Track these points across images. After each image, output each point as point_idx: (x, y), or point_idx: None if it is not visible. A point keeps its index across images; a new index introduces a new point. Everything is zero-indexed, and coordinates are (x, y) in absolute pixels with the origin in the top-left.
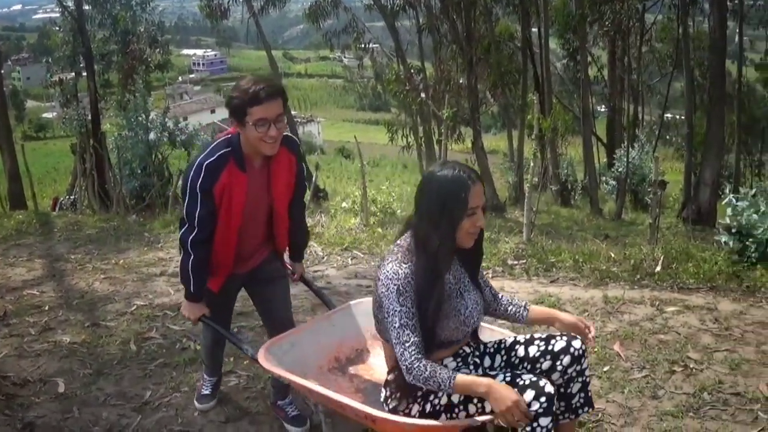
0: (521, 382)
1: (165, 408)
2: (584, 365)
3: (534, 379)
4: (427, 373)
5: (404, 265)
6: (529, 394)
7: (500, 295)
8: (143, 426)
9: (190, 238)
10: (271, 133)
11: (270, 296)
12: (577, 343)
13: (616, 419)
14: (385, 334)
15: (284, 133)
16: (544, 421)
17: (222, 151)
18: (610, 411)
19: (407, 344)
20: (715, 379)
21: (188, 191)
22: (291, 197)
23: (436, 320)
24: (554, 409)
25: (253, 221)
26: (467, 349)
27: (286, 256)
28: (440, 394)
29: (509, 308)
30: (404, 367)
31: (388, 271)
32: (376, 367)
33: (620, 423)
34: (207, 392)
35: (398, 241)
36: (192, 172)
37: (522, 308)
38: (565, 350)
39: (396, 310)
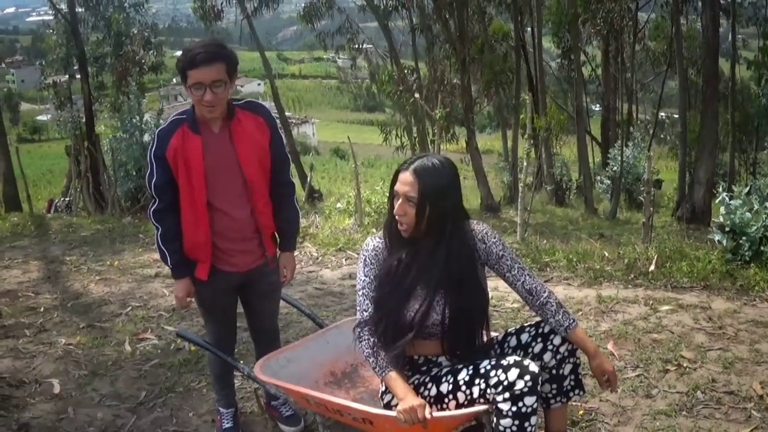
0: (505, 363)
1: (160, 408)
2: (575, 345)
3: (517, 358)
4: (371, 350)
5: (378, 239)
6: (513, 373)
7: (546, 303)
8: (138, 426)
9: (152, 209)
10: (206, 98)
11: (261, 308)
12: None
13: (610, 418)
14: None
15: (249, 100)
16: (529, 399)
17: (174, 118)
18: (603, 410)
19: (363, 312)
20: (709, 377)
21: (147, 163)
22: (268, 167)
23: (400, 293)
24: (540, 388)
25: (224, 192)
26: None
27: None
28: (430, 385)
29: (550, 320)
30: (356, 333)
31: (365, 242)
32: (372, 379)
33: (614, 422)
34: (229, 425)
35: None
36: (148, 147)
37: (563, 328)
38: (554, 330)
39: (360, 279)
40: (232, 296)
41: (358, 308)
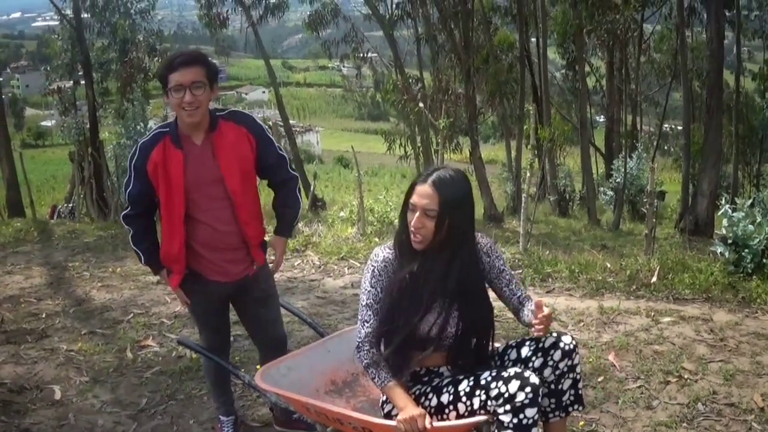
0: (506, 375)
1: (161, 416)
2: (575, 361)
3: (518, 370)
4: (370, 360)
5: (388, 250)
6: (514, 385)
7: (526, 307)
8: None
9: (123, 213)
10: (186, 99)
11: (258, 316)
12: (567, 339)
13: (611, 429)
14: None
15: (232, 109)
16: (530, 411)
17: (157, 131)
18: (604, 421)
19: (365, 324)
20: (710, 389)
21: (128, 172)
22: (253, 177)
23: (413, 307)
24: (540, 402)
25: (207, 205)
26: (446, 371)
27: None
28: (430, 395)
29: (522, 312)
30: (357, 344)
31: (373, 252)
32: (372, 388)
33: None
34: None
35: None
36: (130, 156)
37: (526, 309)
38: (554, 345)
39: (366, 290)
40: (224, 305)
41: (360, 319)
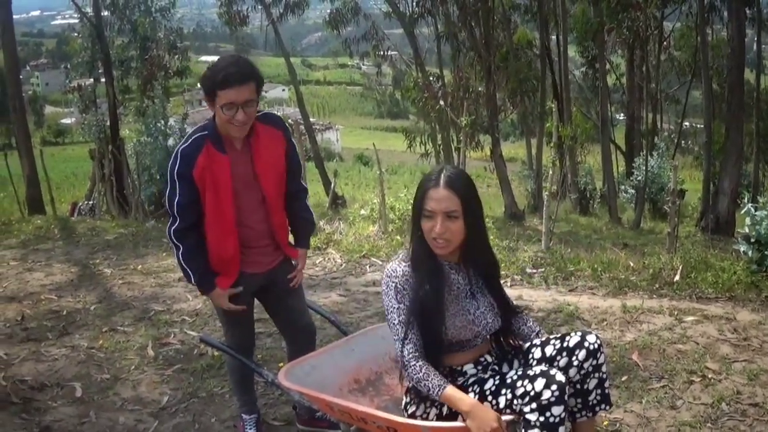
0: (531, 373)
1: (182, 414)
2: (600, 360)
3: (544, 368)
4: (421, 374)
5: (403, 264)
6: (540, 383)
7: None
8: (160, 431)
9: (173, 228)
10: (238, 118)
11: (286, 304)
12: (591, 338)
13: (634, 429)
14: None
15: (265, 112)
16: (557, 410)
17: (196, 136)
18: (628, 421)
19: (405, 341)
20: (734, 389)
21: (168, 181)
22: (283, 177)
23: (438, 317)
24: (567, 400)
25: (245, 207)
26: (489, 358)
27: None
28: None
29: (522, 328)
30: (402, 363)
31: (388, 270)
32: (396, 387)
33: None
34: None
35: (407, 245)
36: (170, 162)
37: (534, 333)
38: (579, 345)
39: (394, 307)
40: (252, 300)
41: (397, 338)
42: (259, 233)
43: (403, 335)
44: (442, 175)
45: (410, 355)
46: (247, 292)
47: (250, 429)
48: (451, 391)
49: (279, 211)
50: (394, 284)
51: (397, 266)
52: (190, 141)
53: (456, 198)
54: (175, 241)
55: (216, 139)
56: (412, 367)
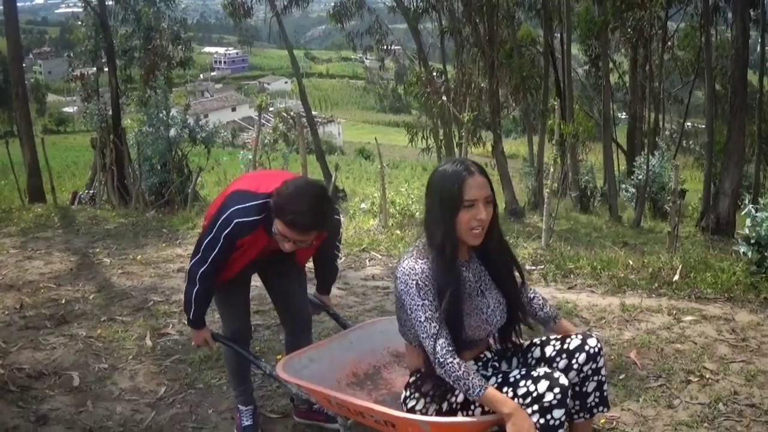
0: (535, 374)
1: (179, 404)
2: (600, 363)
3: (548, 371)
4: (460, 372)
5: (420, 261)
6: (543, 385)
7: (534, 297)
8: (157, 422)
9: (200, 270)
10: (286, 246)
11: (288, 288)
12: (592, 341)
13: (631, 428)
14: (408, 336)
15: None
16: (558, 413)
17: (256, 217)
18: (625, 419)
19: (437, 337)
20: (731, 389)
21: (213, 232)
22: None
23: (458, 318)
24: (568, 403)
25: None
26: (488, 354)
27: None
28: (457, 392)
29: (539, 313)
30: (436, 360)
31: (405, 268)
32: (394, 381)
33: None
34: (249, 423)
35: (415, 242)
36: (222, 220)
37: (551, 319)
38: (580, 348)
39: (419, 305)
40: (247, 283)
41: (427, 335)
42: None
43: (434, 331)
44: (470, 164)
45: (445, 352)
46: (245, 280)
47: (247, 420)
48: (492, 392)
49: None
50: (414, 282)
51: (414, 263)
52: (249, 219)
53: (487, 183)
54: (196, 280)
55: (269, 226)
56: (450, 365)
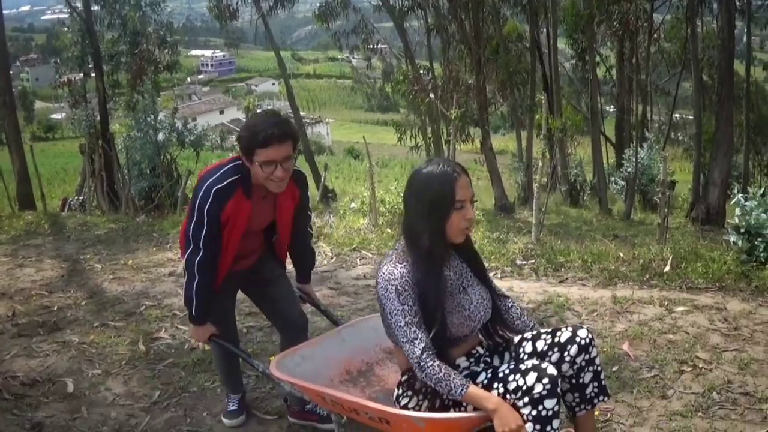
0: (523, 367)
1: (174, 408)
2: (593, 354)
3: (536, 362)
4: (441, 374)
5: (399, 266)
6: (532, 377)
7: (511, 306)
8: (152, 426)
9: (196, 260)
10: (278, 174)
11: (274, 295)
12: (582, 333)
13: (625, 419)
14: (393, 338)
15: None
16: (549, 402)
17: (231, 179)
18: (619, 411)
19: (416, 341)
20: (724, 378)
21: (196, 213)
22: (293, 217)
23: (441, 318)
24: (559, 391)
25: (251, 240)
26: (480, 350)
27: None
28: None
29: (516, 322)
30: (416, 364)
31: (384, 273)
32: (387, 378)
33: (629, 423)
34: (234, 407)
35: (395, 246)
36: (201, 195)
37: (528, 328)
38: (571, 340)
39: (398, 310)
40: (235, 294)
41: (406, 340)
42: (255, 248)
43: (413, 336)
44: (455, 165)
45: (425, 355)
46: (233, 288)
47: (233, 404)
48: (474, 390)
49: (285, 243)
50: (393, 287)
51: (393, 269)
52: (225, 183)
53: (470, 182)
54: (195, 271)
55: (246, 185)
56: (430, 368)
